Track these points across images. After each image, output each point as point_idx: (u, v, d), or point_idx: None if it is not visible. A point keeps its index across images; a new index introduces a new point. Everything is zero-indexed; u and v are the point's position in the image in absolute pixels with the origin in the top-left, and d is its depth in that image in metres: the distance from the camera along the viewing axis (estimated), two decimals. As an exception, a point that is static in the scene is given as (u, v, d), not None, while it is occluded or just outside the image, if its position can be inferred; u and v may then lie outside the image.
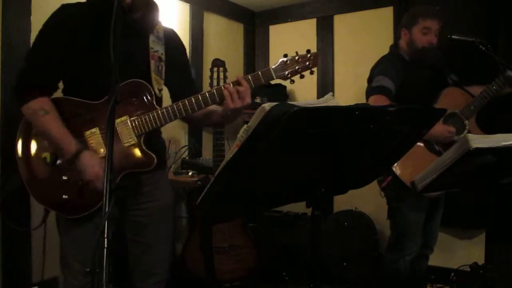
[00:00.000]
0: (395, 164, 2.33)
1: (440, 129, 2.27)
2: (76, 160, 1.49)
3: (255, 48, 4.29)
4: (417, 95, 2.28)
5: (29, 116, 1.54)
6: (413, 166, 2.21)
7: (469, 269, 2.93)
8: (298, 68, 1.56)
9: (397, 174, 2.32)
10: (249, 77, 1.56)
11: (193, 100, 1.56)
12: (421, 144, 2.33)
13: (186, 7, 3.55)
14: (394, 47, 2.49)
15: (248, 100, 1.55)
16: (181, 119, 1.64)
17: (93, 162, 1.49)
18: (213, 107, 1.65)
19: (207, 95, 1.57)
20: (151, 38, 1.66)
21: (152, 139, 1.63)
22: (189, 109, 1.56)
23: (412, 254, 2.41)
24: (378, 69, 2.40)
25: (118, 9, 1.26)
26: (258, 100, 3.57)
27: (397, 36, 2.54)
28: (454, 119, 2.36)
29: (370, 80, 2.42)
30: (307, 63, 1.56)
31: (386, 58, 2.46)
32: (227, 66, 2.56)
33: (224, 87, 1.56)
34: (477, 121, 2.38)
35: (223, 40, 3.95)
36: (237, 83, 1.55)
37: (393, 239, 2.48)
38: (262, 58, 4.26)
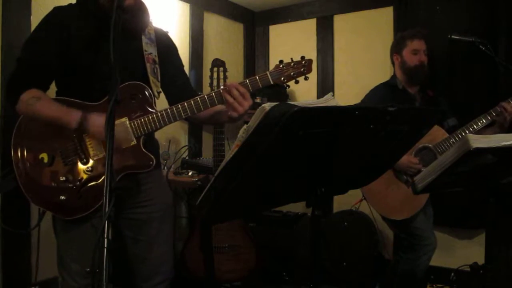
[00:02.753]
0: (366, 193, 2.48)
1: (404, 158, 2.28)
2: (83, 126, 1.49)
3: (255, 48, 4.29)
4: None
5: (24, 109, 1.53)
6: (379, 192, 2.37)
7: (469, 269, 2.93)
8: (293, 74, 1.58)
9: (365, 196, 2.46)
10: (247, 81, 1.57)
11: (193, 103, 1.57)
12: (390, 172, 2.41)
13: (186, 7, 3.55)
14: (394, 75, 2.59)
15: (250, 100, 1.56)
16: (185, 119, 1.64)
17: (99, 122, 1.47)
18: (219, 107, 1.64)
19: (207, 98, 1.57)
20: (144, 40, 1.66)
21: (147, 141, 1.64)
22: (188, 111, 1.57)
23: (429, 253, 2.44)
24: (367, 97, 2.55)
25: (118, 10, 1.25)
26: (258, 100, 3.56)
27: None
28: (427, 152, 2.40)
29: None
30: (302, 69, 1.59)
31: (379, 87, 2.58)
32: (227, 66, 2.57)
33: (224, 92, 1.55)
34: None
35: (223, 40, 3.95)
36: (227, 90, 1.54)
37: (406, 241, 2.50)
38: (262, 58, 4.26)
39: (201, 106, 1.57)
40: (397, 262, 2.58)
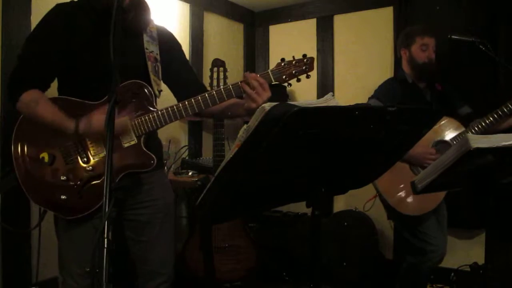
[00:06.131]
0: (379, 183, 2.38)
1: (420, 150, 2.25)
2: (79, 130, 1.49)
3: (255, 48, 4.29)
4: None
5: (24, 110, 1.55)
6: (396, 187, 2.29)
7: (469, 269, 2.93)
8: (295, 72, 1.57)
9: (381, 192, 2.37)
10: (258, 75, 1.55)
11: (193, 102, 1.56)
12: (406, 166, 2.36)
13: (186, 7, 3.55)
14: (401, 69, 2.55)
15: (269, 92, 1.54)
16: (196, 114, 1.62)
17: (99, 123, 1.45)
18: (233, 100, 1.62)
19: (207, 97, 1.56)
20: (145, 38, 1.66)
21: (149, 140, 1.63)
22: (189, 110, 1.56)
23: (434, 259, 2.39)
24: (377, 91, 2.50)
25: (118, 10, 1.25)
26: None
27: (397, 57, 2.61)
28: (444, 146, 2.36)
29: (368, 99, 2.50)
30: (304, 67, 1.57)
31: (389, 82, 2.54)
32: (227, 66, 2.57)
33: (243, 83, 1.53)
34: None
35: (223, 40, 3.95)
36: (246, 81, 1.54)
37: (410, 243, 2.46)
38: (262, 58, 4.26)
39: (202, 105, 1.57)
40: (402, 263, 2.54)
